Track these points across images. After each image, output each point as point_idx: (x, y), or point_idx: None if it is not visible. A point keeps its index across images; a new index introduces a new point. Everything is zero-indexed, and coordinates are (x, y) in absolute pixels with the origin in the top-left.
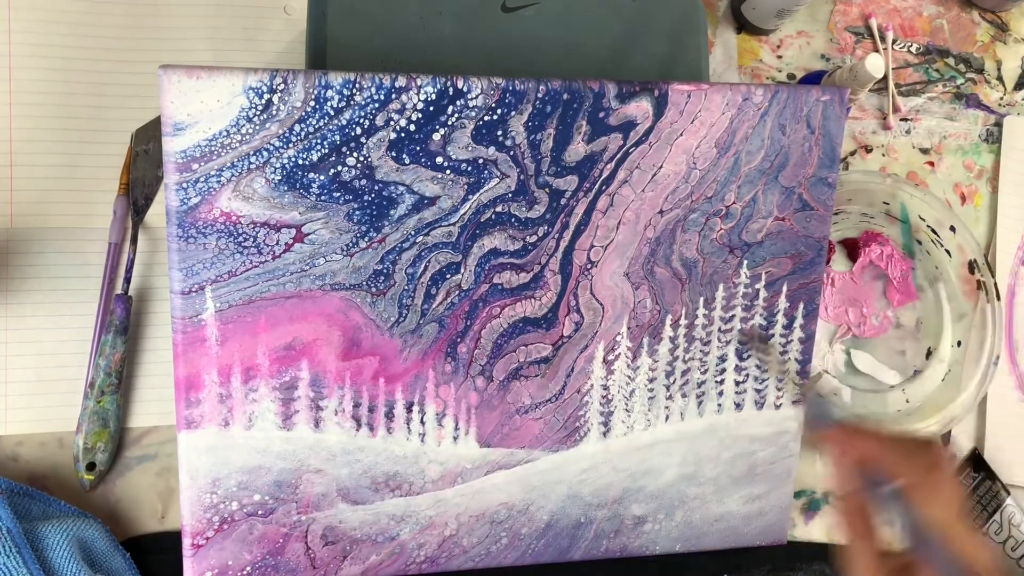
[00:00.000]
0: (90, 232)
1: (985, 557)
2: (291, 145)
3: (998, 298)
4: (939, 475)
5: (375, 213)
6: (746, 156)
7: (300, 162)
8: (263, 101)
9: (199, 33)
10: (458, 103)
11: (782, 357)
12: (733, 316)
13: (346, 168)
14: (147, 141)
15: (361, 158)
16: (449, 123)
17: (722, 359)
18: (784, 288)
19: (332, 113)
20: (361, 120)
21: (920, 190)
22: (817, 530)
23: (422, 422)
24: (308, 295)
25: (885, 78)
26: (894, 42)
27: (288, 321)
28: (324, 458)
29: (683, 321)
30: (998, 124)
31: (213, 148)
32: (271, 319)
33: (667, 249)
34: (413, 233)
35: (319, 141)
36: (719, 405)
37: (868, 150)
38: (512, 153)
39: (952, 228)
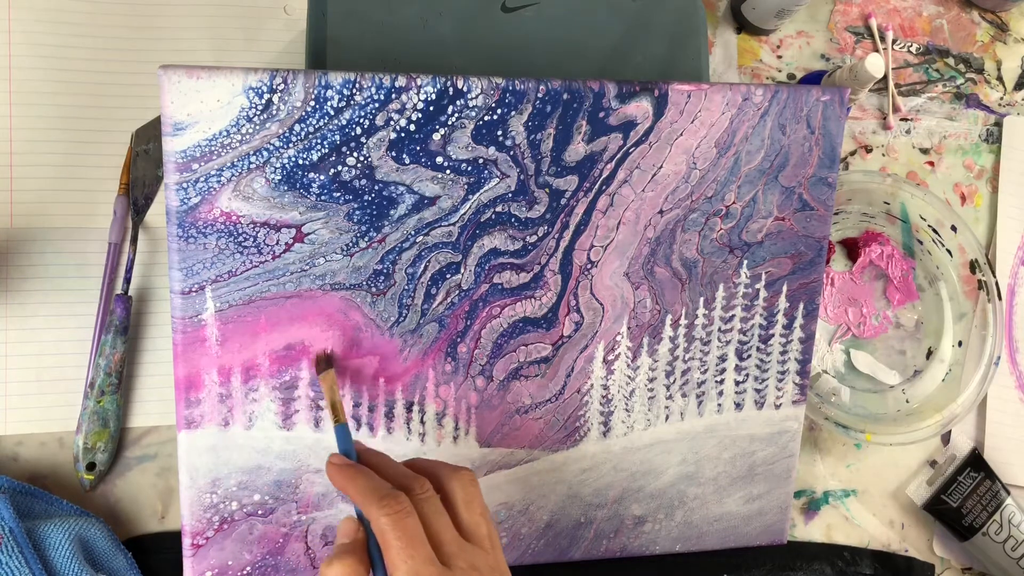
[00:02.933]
0: (90, 232)
1: None
2: (291, 145)
3: (999, 298)
4: (403, 516)
5: (375, 213)
6: (746, 156)
7: (300, 162)
8: (263, 101)
9: (199, 33)
10: (458, 103)
11: None
12: (733, 316)
13: (346, 168)
14: (147, 141)
15: (361, 158)
16: (449, 123)
17: (722, 359)
18: (784, 288)
19: (332, 113)
20: (361, 120)
21: (920, 190)
22: (817, 530)
23: (422, 422)
24: (308, 295)
25: (885, 78)
26: (894, 42)
27: (288, 321)
28: (324, 458)
29: (683, 321)
30: (998, 124)
31: (213, 148)
32: (271, 319)
33: (667, 249)
34: (413, 233)
35: (319, 141)
36: (719, 405)
37: (868, 150)
38: (512, 153)
39: (953, 228)
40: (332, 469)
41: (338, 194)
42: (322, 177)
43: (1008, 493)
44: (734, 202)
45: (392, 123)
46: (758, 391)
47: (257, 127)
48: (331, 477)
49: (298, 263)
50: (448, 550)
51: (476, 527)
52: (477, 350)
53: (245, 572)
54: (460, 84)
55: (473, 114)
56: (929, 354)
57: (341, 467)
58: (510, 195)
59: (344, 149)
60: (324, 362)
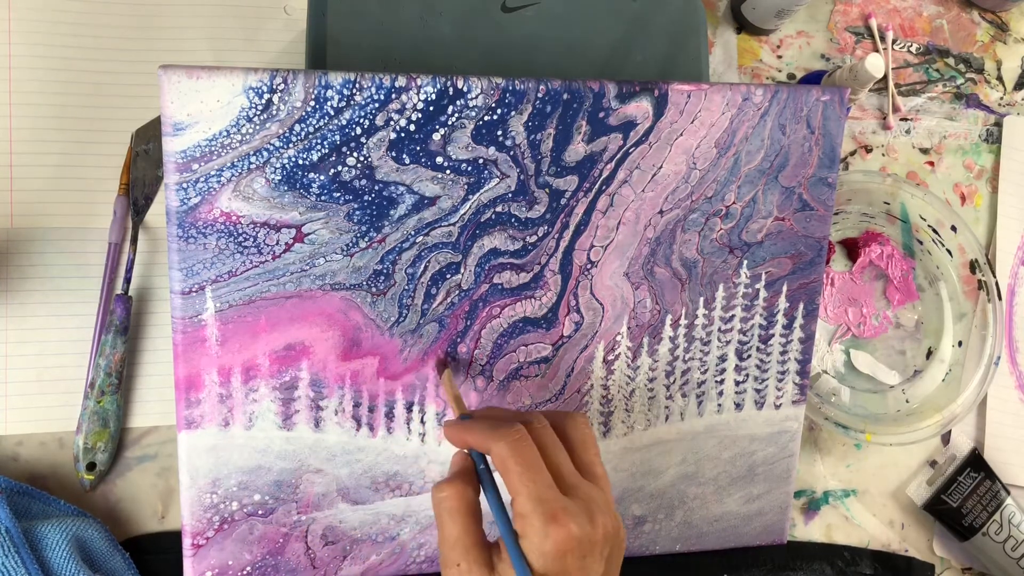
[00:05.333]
0: (90, 232)
1: (559, 537)
2: (291, 145)
3: (999, 298)
4: (523, 444)
5: (375, 213)
6: (746, 156)
7: (300, 162)
8: (263, 101)
9: (199, 33)
10: (458, 103)
11: None
12: (733, 316)
13: (346, 168)
14: (147, 141)
15: (361, 158)
16: (449, 123)
17: (722, 359)
18: (784, 288)
19: (332, 113)
20: (361, 120)
21: (920, 190)
22: (817, 530)
23: (422, 422)
24: (308, 295)
25: (885, 78)
26: (894, 42)
27: (288, 321)
28: (324, 458)
29: (683, 321)
30: (998, 124)
31: (213, 148)
32: (271, 319)
33: (667, 249)
34: (413, 233)
35: (319, 141)
36: (719, 405)
37: (868, 150)
38: (512, 153)
39: (953, 228)
40: (448, 428)
41: (338, 194)
42: (322, 177)
43: (1008, 493)
44: (734, 202)
45: (392, 123)
46: (758, 391)
47: (257, 127)
48: (449, 436)
49: (298, 263)
50: (568, 481)
51: (592, 465)
52: (477, 350)
53: (245, 572)
54: (460, 84)
55: (473, 114)
56: (929, 354)
57: (457, 422)
58: (510, 195)
59: (344, 149)
60: (443, 364)
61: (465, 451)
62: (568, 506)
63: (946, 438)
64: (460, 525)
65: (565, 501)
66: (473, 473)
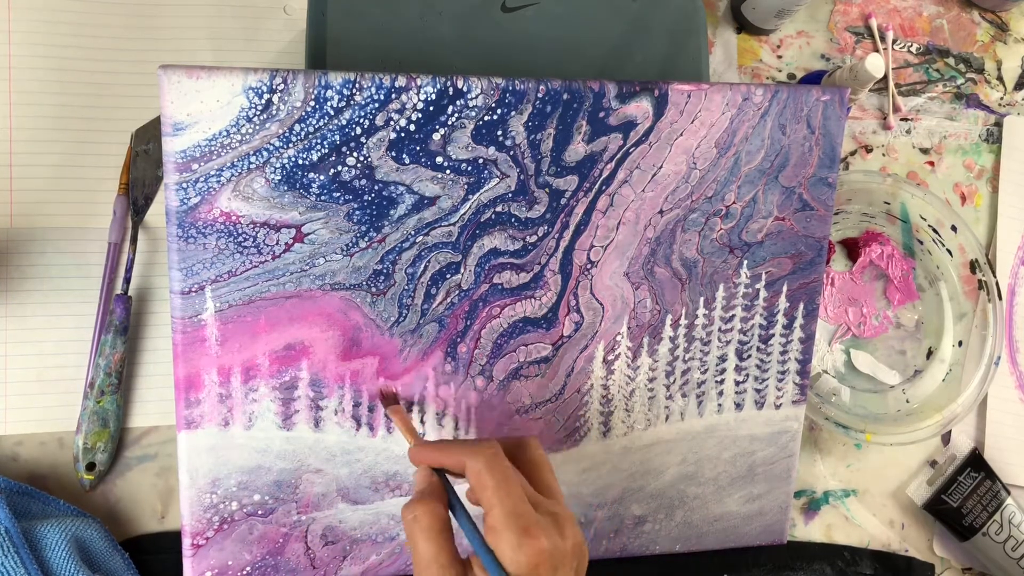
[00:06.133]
0: (90, 232)
1: (533, 550)
2: (291, 145)
3: (999, 298)
4: (498, 458)
5: (375, 213)
6: (746, 156)
7: (300, 162)
8: (263, 101)
9: (199, 33)
10: (458, 103)
11: None
12: (733, 316)
13: (346, 168)
14: (147, 141)
15: (361, 158)
16: (449, 123)
17: (722, 359)
18: (784, 288)
19: (332, 113)
20: (361, 120)
21: (921, 190)
22: (817, 530)
23: (422, 422)
24: (308, 295)
25: (885, 78)
26: (894, 42)
27: (288, 321)
28: (324, 458)
29: (683, 321)
30: (998, 124)
31: (213, 148)
32: (271, 319)
33: (667, 249)
34: (413, 233)
35: (319, 141)
36: (719, 405)
37: (868, 150)
38: (512, 153)
39: (953, 228)
40: (417, 450)
41: (338, 194)
42: (322, 177)
43: (1008, 493)
44: (734, 202)
45: (392, 123)
46: (758, 391)
47: (257, 127)
48: (420, 457)
49: (298, 263)
50: (530, 498)
51: (549, 483)
52: (477, 350)
53: (245, 572)
54: (460, 84)
55: (473, 114)
56: (929, 354)
57: (426, 443)
58: (510, 195)
59: (344, 149)
60: (392, 398)
61: (430, 469)
62: (540, 520)
63: (946, 438)
64: (435, 544)
65: (537, 516)
66: (442, 490)
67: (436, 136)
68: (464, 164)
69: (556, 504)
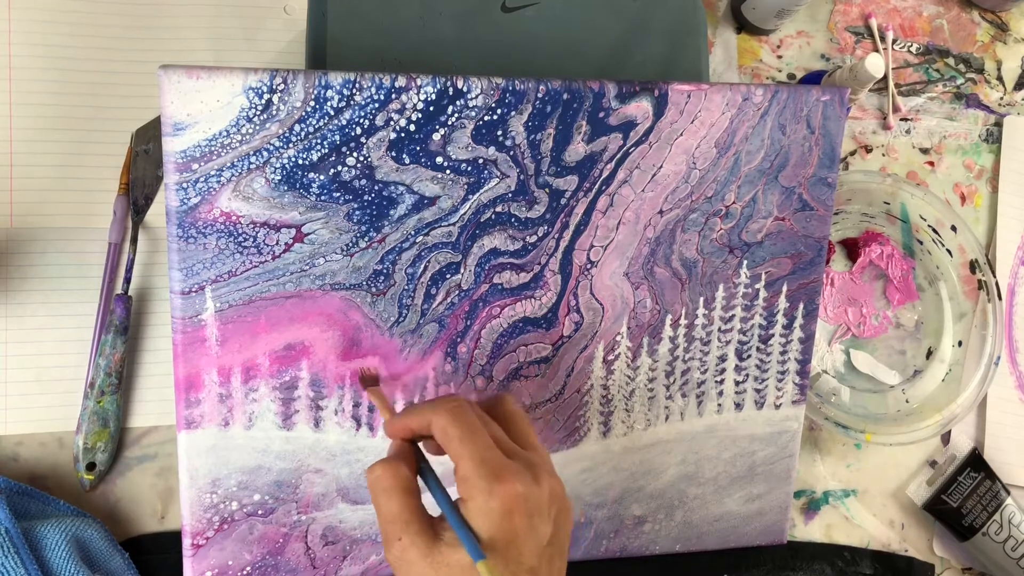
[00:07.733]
0: (90, 232)
1: (505, 494)
2: (291, 145)
3: (999, 298)
4: (461, 410)
5: (375, 213)
6: (746, 156)
7: (300, 162)
8: (263, 101)
9: (199, 33)
10: (458, 103)
11: None
12: (733, 316)
13: (346, 168)
14: (147, 141)
15: (361, 158)
16: (449, 123)
17: (722, 359)
18: (784, 288)
19: (332, 113)
20: (361, 120)
21: (920, 190)
22: (817, 530)
23: None
24: (308, 295)
25: (885, 78)
26: (894, 42)
27: (288, 321)
28: (324, 458)
29: (683, 321)
30: (998, 124)
31: (213, 148)
32: (271, 319)
33: (667, 249)
34: (413, 233)
35: (319, 141)
36: (719, 405)
37: (868, 150)
38: (512, 153)
39: (953, 228)
40: (388, 424)
41: (338, 194)
42: (322, 177)
43: (1008, 493)
44: (734, 202)
45: (392, 123)
46: (758, 391)
47: (257, 127)
48: (392, 430)
49: (298, 263)
50: (506, 447)
51: (527, 435)
52: (477, 350)
53: (245, 572)
54: (460, 84)
55: (473, 114)
56: (929, 354)
57: (393, 414)
58: (510, 195)
59: (344, 149)
60: (372, 379)
61: (401, 439)
62: (511, 465)
63: (946, 438)
64: (397, 501)
65: (508, 461)
66: (409, 453)
67: (436, 136)
68: (464, 164)
69: (534, 454)
